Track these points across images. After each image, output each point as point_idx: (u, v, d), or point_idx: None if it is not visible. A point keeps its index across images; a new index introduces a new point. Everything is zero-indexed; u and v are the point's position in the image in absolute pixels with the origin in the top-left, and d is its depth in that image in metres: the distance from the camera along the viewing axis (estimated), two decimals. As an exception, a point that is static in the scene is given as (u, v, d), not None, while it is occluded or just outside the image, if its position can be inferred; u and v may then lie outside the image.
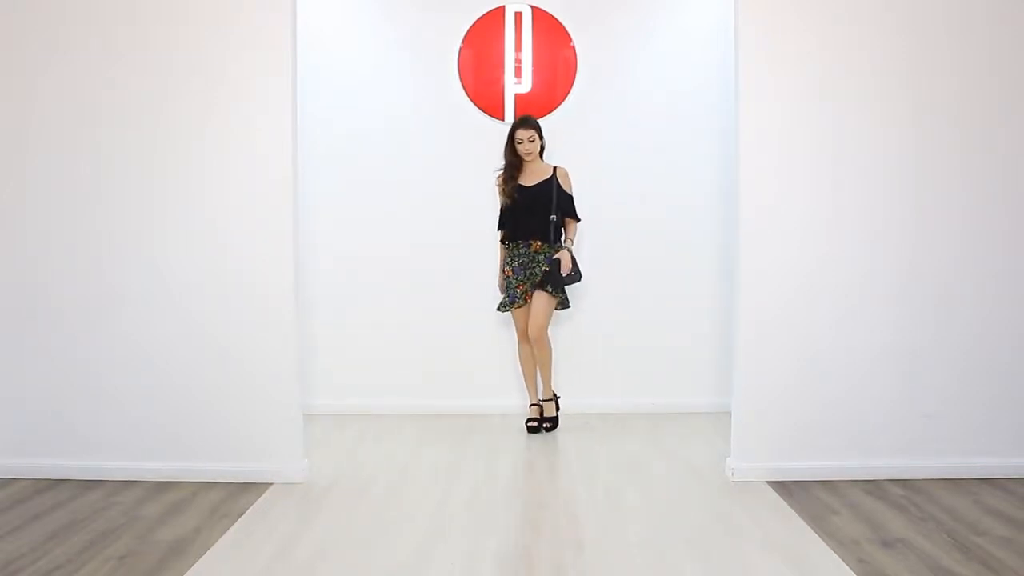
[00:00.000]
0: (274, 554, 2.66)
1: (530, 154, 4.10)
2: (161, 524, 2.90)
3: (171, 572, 2.50)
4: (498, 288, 4.32)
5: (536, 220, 4.11)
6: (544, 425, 4.22)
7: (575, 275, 4.10)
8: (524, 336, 4.23)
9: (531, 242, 4.13)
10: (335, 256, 4.61)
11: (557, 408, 4.31)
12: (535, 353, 4.22)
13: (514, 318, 4.28)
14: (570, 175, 4.18)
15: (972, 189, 3.35)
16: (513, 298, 4.17)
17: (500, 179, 4.17)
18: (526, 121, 4.14)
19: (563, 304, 4.18)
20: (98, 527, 2.86)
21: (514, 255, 4.17)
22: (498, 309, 4.26)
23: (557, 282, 4.06)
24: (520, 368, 4.33)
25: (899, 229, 3.36)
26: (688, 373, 4.63)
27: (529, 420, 4.24)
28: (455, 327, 4.62)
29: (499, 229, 4.24)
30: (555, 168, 4.17)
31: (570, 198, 4.15)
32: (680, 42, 4.58)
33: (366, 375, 4.59)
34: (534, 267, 4.13)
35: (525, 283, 4.14)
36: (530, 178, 4.15)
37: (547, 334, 4.20)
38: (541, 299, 4.12)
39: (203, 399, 3.38)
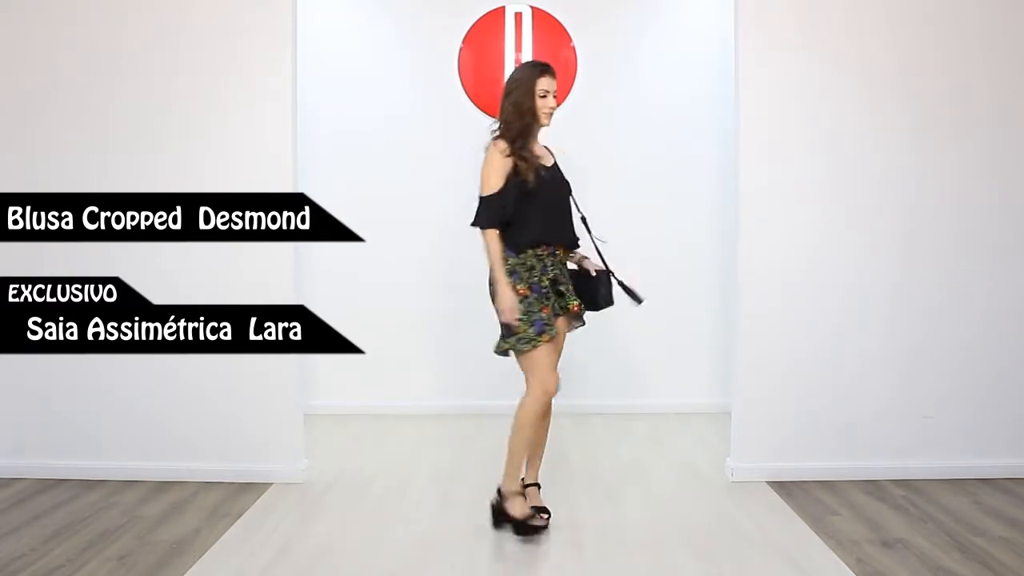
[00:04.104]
0: (274, 554, 2.66)
1: (552, 114, 2.88)
2: (161, 524, 2.90)
3: (171, 572, 2.51)
4: (503, 316, 2.80)
5: (566, 216, 2.91)
6: (543, 518, 2.87)
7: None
8: (552, 389, 2.81)
9: (558, 250, 2.90)
10: (335, 256, 4.60)
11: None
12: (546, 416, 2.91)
13: (536, 361, 2.78)
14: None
15: (970, 190, 3.35)
16: (542, 328, 2.78)
17: (511, 145, 2.81)
18: (551, 69, 2.88)
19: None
20: (98, 527, 2.86)
21: (547, 266, 2.84)
22: (515, 346, 2.78)
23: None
24: (524, 438, 2.83)
25: (898, 229, 3.36)
26: (688, 373, 4.63)
27: (518, 521, 2.84)
28: (455, 327, 4.61)
29: (495, 223, 2.80)
30: (547, 148, 3.00)
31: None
32: (680, 42, 4.57)
33: (366, 375, 4.58)
34: (562, 284, 2.89)
35: (551, 307, 2.85)
36: (540, 156, 2.91)
37: None
38: (561, 333, 2.91)
39: (203, 399, 3.38)
